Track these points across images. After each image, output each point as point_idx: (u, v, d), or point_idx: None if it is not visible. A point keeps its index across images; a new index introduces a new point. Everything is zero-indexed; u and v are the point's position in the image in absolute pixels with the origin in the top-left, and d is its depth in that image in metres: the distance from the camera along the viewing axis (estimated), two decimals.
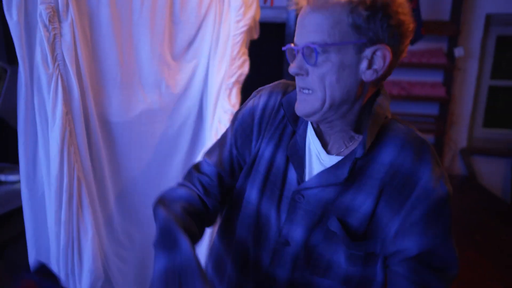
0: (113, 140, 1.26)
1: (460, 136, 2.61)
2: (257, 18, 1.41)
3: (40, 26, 1.01)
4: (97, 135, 1.19)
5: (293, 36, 0.71)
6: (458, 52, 2.33)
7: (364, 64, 0.65)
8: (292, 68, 0.68)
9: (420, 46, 2.51)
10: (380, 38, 0.64)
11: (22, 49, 1.01)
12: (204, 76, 1.36)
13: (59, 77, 1.05)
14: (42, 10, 1.01)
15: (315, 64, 0.65)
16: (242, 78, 1.41)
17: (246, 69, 1.41)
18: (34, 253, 1.15)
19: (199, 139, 1.47)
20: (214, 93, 1.41)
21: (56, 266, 1.14)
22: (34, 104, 1.06)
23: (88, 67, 1.13)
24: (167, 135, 1.35)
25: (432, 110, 2.62)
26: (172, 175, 1.36)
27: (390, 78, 2.43)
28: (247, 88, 1.20)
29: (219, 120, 1.43)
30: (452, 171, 2.62)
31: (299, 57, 0.67)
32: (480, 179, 2.57)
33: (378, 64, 0.65)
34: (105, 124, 1.23)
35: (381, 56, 0.64)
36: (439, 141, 2.53)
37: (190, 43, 1.33)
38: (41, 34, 1.02)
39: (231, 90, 1.43)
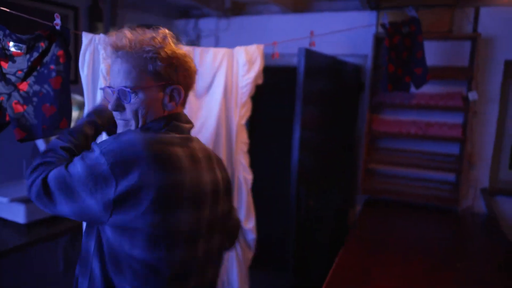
0: None
1: (482, 176, 2.69)
2: (261, 69, 1.83)
3: (101, 77, 1.53)
4: None
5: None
6: (472, 96, 2.48)
7: (166, 99, 1.02)
8: (111, 106, 1.01)
9: (439, 89, 2.71)
10: (174, 80, 1.00)
11: (88, 92, 1.53)
12: (218, 115, 1.79)
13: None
14: (102, 67, 1.52)
15: (129, 102, 0.99)
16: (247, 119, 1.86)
17: (249, 112, 1.86)
18: None
19: (227, 162, 1.89)
20: (234, 129, 1.84)
21: None
22: None
23: None
24: None
25: (454, 149, 2.75)
26: None
27: (409, 117, 2.67)
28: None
29: (241, 148, 1.86)
30: (473, 209, 2.69)
31: (115, 96, 1.00)
32: (504, 220, 2.61)
33: (176, 98, 1.03)
34: None
35: (177, 93, 1.02)
36: (459, 180, 2.64)
37: (208, 88, 1.78)
38: (101, 82, 1.53)
39: (243, 127, 1.88)
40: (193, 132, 1.80)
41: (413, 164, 2.75)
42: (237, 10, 3.32)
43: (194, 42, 3.42)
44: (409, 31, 2.25)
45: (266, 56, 1.94)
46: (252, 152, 3.44)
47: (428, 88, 2.66)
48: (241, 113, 1.83)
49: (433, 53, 2.65)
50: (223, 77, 1.77)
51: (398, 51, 2.24)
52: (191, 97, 1.76)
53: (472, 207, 2.70)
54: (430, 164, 2.71)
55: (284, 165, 2.91)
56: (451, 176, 2.77)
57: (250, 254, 2.00)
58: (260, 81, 1.87)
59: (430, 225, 2.43)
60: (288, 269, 2.21)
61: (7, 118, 1.36)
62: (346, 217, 3.09)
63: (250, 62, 1.78)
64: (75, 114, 2.20)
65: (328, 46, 2.75)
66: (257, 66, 1.80)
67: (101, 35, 1.52)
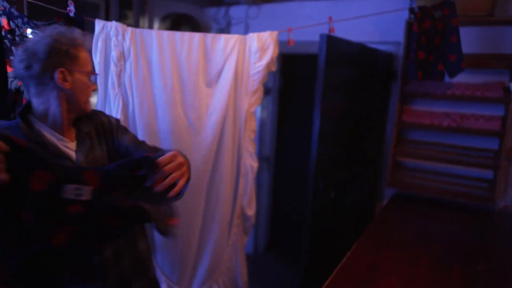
0: (159, 143, 1.75)
1: None
2: (274, 56, 1.79)
3: (111, 63, 1.57)
4: (145, 137, 1.69)
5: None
6: None
7: None
8: None
9: (477, 79, 2.51)
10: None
11: (101, 78, 1.58)
12: (227, 102, 1.78)
13: (121, 96, 1.60)
14: (113, 54, 1.57)
15: None
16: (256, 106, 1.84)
17: (260, 100, 1.83)
18: None
19: (233, 148, 1.90)
20: (243, 117, 1.83)
21: None
22: None
23: (142, 91, 1.65)
24: (200, 146, 1.80)
25: (491, 144, 2.55)
26: (200, 178, 1.80)
27: (442, 109, 2.53)
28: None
29: (248, 135, 1.85)
30: (511, 209, 2.49)
31: None
32: None
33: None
34: (153, 130, 1.73)
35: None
36: (496, 177, 2.45)
37: (218, 75, 1.77)
38: (112, 69, 1.58)
39: (252, 115, 1.85)
40: (201, 120, 1.81)
41: (445, 158, 2.59)
42: None
43: (224, 30, 3.42)
44: (441, 15, 2.09)
45: (283, 44, 1.90)
46: (281, 140, 3.40)
47: (465, 78, 2.47)
48: (251, 100, 1.81)
49: (472, 39, 2.45)
50: (234, 64, 1.76)
51: (429, 37, 2.09)
52: (201, 84, 1.77)
53: (509, 207, 2.50)
54: (464, 159, 2.53)
55: (307, 157, 2.86)
56: (487, 173, 2.57)
57: (245, 239, 2.04)
58: (273, 68, 1.83)
59: (460, 225, 2.28)
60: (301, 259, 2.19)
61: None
62: (373, 210, 2.98)
63: (263, 49, 1.75)
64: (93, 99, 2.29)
65: (359, 33, 2.63)
66: (270, 53, 1.76)
67: (113, 22, 1.56)
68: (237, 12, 3.37)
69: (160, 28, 3.05)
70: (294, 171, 3.46)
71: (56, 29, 1.11)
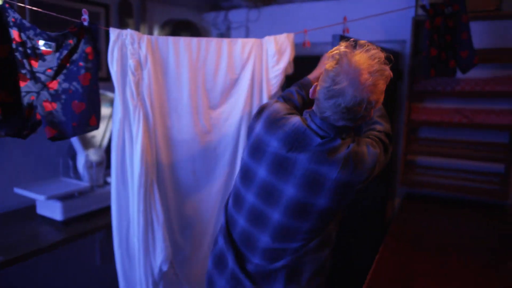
0: (174, 153, 1.69)
1: None
2: (291, 59, 1.75)
3: (129, 73, 1.50)
4: (162, 149, 1.63)
5: None
6: None
7: None
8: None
9: (486, 74, 2.50)
10: None
11: (118, 88, 1.51)
12: (242, 109, 1.73)
13: (141, 107, 1.53)
14: (130, 63, 1.50)
15: None
16: None
17: None
18: (117, 233, 1.62)
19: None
20: None
21: (137, 245, 1.58)
22: (124, 125, 1.55)
23: (158, 100, 1.59)
24: (214, 152, 1.74)
25: (502, 138, 2.54)
26: (215, 183, 1.74)
27: (452, 105, 2.51)
28: None
29: None
30: None
31: None
32: None
33: None
34: (168, 139, 1.66)
35: None
36: (508, 171, 2.45)
37: (235, 81, 1.72)
38: (129, 78, 1.51)
39: None
40: (217, 128, 1.75)
41: (456, 154, 2.58)
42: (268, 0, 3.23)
43: (224, 34, 3.37)
44: (452, 11, 2.07)
45: (298, 46, 1.86)
46: None
47: (474, 73, 2.46)
48: None
49: (479, 34, 2.44)
50: (251, 69, 1.71)
51: (441, 34, 2.07)
52: (217, 90, 1.71)
53: None
54: (476, 154, 2.52)
55: None
56: (499, 167, 2.57)
57: None
58: (290, 71, 1.79)
59: (476, 221, 2.26)
60: None
61: (38, 117, 1.37)
62: (384, 209, 2.95)
63: (280, 52, 1.71)
64: (107, 110, 2.21)
65: (363, 33, 2.60)
66: (287, 56, 1.72)
67: (128, 30, 1.49)
68: (236, 16, 3.33)
69: (160, 35, 2.99)
70: None
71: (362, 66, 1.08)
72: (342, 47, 1.11)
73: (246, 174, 1.24)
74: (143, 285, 1.58)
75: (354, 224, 2.67)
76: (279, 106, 1.25)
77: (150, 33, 2.95)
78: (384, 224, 2.82)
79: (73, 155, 2.29)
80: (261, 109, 1.27)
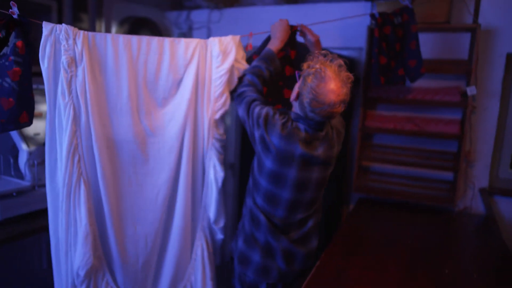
0: (114, 153, 1.64)
1: (480, 176, 2.56)
2: (241, 57, 1.73)
3: (62, 70, 1.45)
4: (100, 149, 1.58)
5: None
6: (470, 91, 2.35)
7: None
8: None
9: (437, 83, 2.57)
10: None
11: (49, 86, 1.45)
12: (187, 109, 1.70)
13: (72, 105, 1.48)
14: (64, 59, 1.45)
15: None
16: (224, 113, 1.76)
17: (227, 106, 1.75)
18: (52, 230, 1.56)
19: (194, 160, 1.82)
20: (206, 126, 1.76)
21: (60, 244, 1.53)
22: (55, 124, 1.49)
23: (95, 98, 1.54)
24: (158, 154, 1.70)
25: (451, 147, 2.62)
26: (158, 186, 1.70)
27: (404, 113, 2.56)
28: None
29: (212, 143, 1.77)
30: (471, 210, 2.57)
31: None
32: (502, 221, 2.48)
33: None
34: (109, 139, 1.61)
35: None
36: (456, 179, 2.52)
37: (179, 81, 1.69)
38: (61, 75, 1.45)
39: (217, 122, 1.78)
40: (160, 128, 1.71)
41: (408, 162, 2.63)
42: (231, 1, 3.21)
43: (186, 34, 3.33)
44: (401, 21, 2.12)
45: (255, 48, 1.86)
46: (246, 146, 3.33)
47: (425, 83, 2.53)
48: (214, 107, 1.74)
49: (430, 45, 2.51)
50: (195, 69, 1.68)
51: (390, 43, 2.12)
52: (159, 90, 1.67)
53: (470, 207, 2.57)
54: (426, 162, 2.59)
55: None
56: (448, 175, 2.64)
57: (215, 253, 1.97)
58: (244, 68, 1.77)
59: (423, 226, 2.31)
60: None
61: None
62: (340, 214, 2.98)
63: (225, 54, 1.69)
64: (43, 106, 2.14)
65: (323, 39, 2.63)
66: (232, 57, 1.70)
67: (63, 25, 1.44)
68: (198, 16, 3.30)
69: (118, 32, 2.92)
70: None
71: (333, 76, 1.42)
72: (317, 64, 1.43)
73: (277, 178, 1.54)
74: (68, 286, 1.54)
75: None
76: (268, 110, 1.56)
77: (108, 30, 2.88)
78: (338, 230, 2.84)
79: (15, 153, 2.20)
80: (263, 118, 1.53)
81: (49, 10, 2.49)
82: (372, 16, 2.09)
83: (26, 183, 2.05)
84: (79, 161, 1.51)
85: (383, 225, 2.30)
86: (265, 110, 1.54)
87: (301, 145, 1.48)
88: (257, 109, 1.55)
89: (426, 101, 2.50)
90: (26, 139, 2.09)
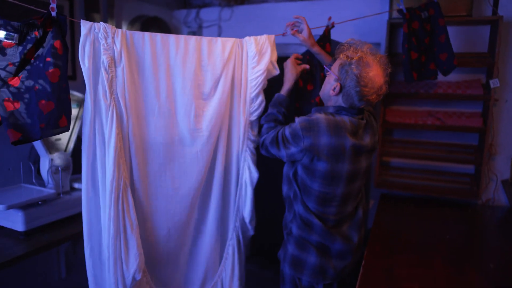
0: (151, 156, 1.57)
1: (503, 168, 2.57)
2: (274, 59, 1.69)
3: (102, 70, 1.38)
4: (137, 151, 1.51)
5: None
6: (493, 83, 2.35)
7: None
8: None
9: (457, 77, 2.57)
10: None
11: (90, 86, 1.38)
12: (224, 111, 1.65)
13: (114, 107, 1.41)
14: (104, 59, 1.38)
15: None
16: (260, 114, 1.73)
17: (263, 107, 1.71)
18: (88, 241, 1.48)
19: (227, 161, 1.77)
20: (242, 127, 1.71)
21: (107, 252, 1.46)
22: (95, 126, 1.42)
23: (133, 100, 1.47)
24: (194, 157, 1.64)
25: (473, 140, 2.62)
26: (193, 188, 1.65)
27: (425, 107, 2.52)
28: None
29: (247, 144, 1.73)
30: (493, 202, 2.57)
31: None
32: None
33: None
34: (145, 141, 1.55)
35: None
36: (479, 172, 2.52)
37: (217, 82, 1.63)
38: (102, 76, 1.38)
39: (252, 124, 1.73)
40: (197, 130, 1.66)
41: (429, 156, 2.63)
42: None
43: (196, 33, 3.27)
44: (428, 16, 2.10)
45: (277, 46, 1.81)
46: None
47: (446, 77, 2.52)
48: (250, 108, 1.70)
49: (452, 39, 2.49)
50: (231, 69, 1.63)
51: (419, 37, 2.09)
52: (197, 92, 1.62)
53: (492, 199, 2.58)
54: (448, 156, 2.58)
55: None
56: (469, 168, 2.65)
57: (247, 250, 1.98)
58: (276, 72, 1.73)
59: (453, 220, 2.30)
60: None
61: None
62: None
63: (260, 54, 1.65)
64: (74, 111, 2.06)
65: (337, 35, 2.60)
66: (267, 57, 1.66)
67: (101, 23, 1.37)
68: (208, 14, 3.23)
69: None
70: (274, 174, 3.37)
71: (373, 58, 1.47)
72: (357, 53, 1.47)
73: (332, 177, 1.52)
74: None
75: None
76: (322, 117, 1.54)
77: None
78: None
79: (35, 160, 2.11)
80: (307, 128, 1.49)
81: (61, 10, 2.40)
82: (400, 11, 2.06)
83: (50, 190, 1.97)
84: (123, 164, 1.45)
85: (413, 221, 2.28)
86: (297, 122, 1.51)
87: (350, 136, 1.47)
88: (287, 132, 1.53)
89: (449, 95, 2.50)
90: (48, 145, 2.00)
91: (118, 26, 2.81)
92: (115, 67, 1.41)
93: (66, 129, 1.31)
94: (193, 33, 3.26)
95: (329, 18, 1.93)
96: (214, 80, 1.62)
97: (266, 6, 3.07)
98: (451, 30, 2.53)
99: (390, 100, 2.73)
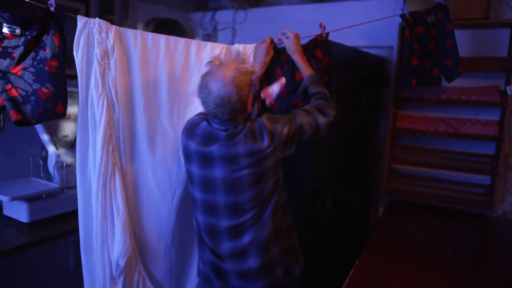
0: (133, 147, 1.60)
1: None
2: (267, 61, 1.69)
3: (95, 62, 1.44)
4: (125, 142, 1.55)
5: None
6: (510, 90, 2.23)
7: None
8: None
9: (473, 83, 2.46)
10: None
11: (82, 78, 1.44)
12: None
13: (105, 96, 1.46)
14: (97, 52, 1.43)
15: None
16: None
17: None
18: (82, 223, 1.53)
19: None
20: None
21: (95, 236, 1.50)
22: (88, 115, 1.48)
23: (123, 92, 1.52)
24: (177, 153, 1.67)
25: (488, 149, 2.49)
26: (176, 186, 1.67)
27: (438, 114, 2.45)
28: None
29: None
30: (511, 215, 2.44)
31: None
32: None
33: None
34: (131, 133, 1.58)
35: None
36: (494, 183, 2.40)
37: None
38: (95, 67, 1.44)
39: None
40: (179, 128, 1.66)
41: (441, 164, 2.53)
42: (256, 1, 3.17)
43: (211, 35, 3.31)
44: (434, 20, 2.02)
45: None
46: None
47: (460, 82, 2.41)
48: None
49: (465, 43, 2.40)
50: None
51: (423, 43, 2.02)
52: (182, 91, 1.65)
53: (509, 212, 2.45)
54: (461, 165, 2.47)
55: (301, 165, 2.75)
56: (485, 179, 2.52)
57: None
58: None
59: (461, 232, 2.21)
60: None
61: (2, 103, 1.32)
62: (368, 219, 2.90)
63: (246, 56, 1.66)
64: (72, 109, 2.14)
65: (350, 37, 2.55)
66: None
67: (96, 19, 1.44)
68: (223, 17, 3.27)
69: None
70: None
71: (233, 67, 1.34)
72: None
73: (189, 178, 1.51)
74: (100, 280, 1.51)
75: (337, 233, 2.61)
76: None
77: None
78: (367, 234, 2.75)
79: (44, 155, 2.21)
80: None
81: (77, 13, 2.50)
82: (403, 16, 1.99)
83: (55, 185, 2.06)
84: (113, 151, 1.49)
85: (417, 230, 2.20)
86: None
87: (194, 141, 1.50)
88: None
89: (462, 101, 2.39)
90: (54, 141, 2.09)
91: (133, 27, 2.89)
92: (108, 59, 1.46)
93: (63, 115, 1.40)
94: (208, 35, 3.31)
95: (320, 25, 1.89)
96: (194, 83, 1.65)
97: (280, 9, 3.07)
98: (467, 34, 2.43)
99: (401, 105, 2.65)
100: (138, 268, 1.64)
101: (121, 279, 1.54)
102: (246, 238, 1.39)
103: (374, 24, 2.59)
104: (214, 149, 1.38)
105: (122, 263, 1.51)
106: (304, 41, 1.83)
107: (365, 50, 2.69)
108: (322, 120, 1.50)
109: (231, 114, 1.37)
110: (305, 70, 1.68)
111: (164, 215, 1.69)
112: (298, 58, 1.69)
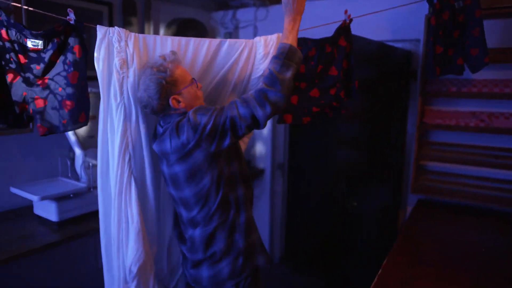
0: (154, 154, 1.59)
1: None
2: None
3: (114, 71, 1.45)
4: (146, 149, 1.56)
5: None
6: None
7: None
8: None
9: (504, 75, 2.34)
10: None
11: (103, 87, 1.45)
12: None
13: (123, 106, 1.47)
14: (116, 61, 1.44)
15: None
16: None
17: None
18: (103, 229, 1.56)
19: None
20: None
21: (112, 241, 1.53)
22: (107, 125, 1.49)
23: None
24: None
25: None
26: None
27: (468, 108, 2.35)
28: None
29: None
30: None
31: None
32: None
33: None
34: (151, 139, 1.59)
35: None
36: None
37: (224, 82, 1.65)
38: (114, 76, 1.45)
39: None
40: None
41: (472, 160, 2.42)
42: None
43: (232, 33, 3.31)
44: (463, 6, 1.92)
45: None
46: (294, 146, 3.26)
47: (491, 74, 2.31)
48: None
49: (497, 33, 2.29)
50: (239, 69, 1.63)
51: (447, 30, 1.93)
52: (206, 93, 1.64)
53: None
54: (493, 161, 2.36)
55: (326, 163, 2.71)
56: None
57: None
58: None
59: (494, 232, 2.11)
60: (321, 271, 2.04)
61: (31, 112, 1.39)
62: (396, 218, 2.82)
63: (268, 55, 1.63)
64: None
65: (375, 32, 2.49)
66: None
67: (116, 28, 1.44)
68: (244, 14, 3.26)
69: (166, 34, 2.94)
70: (308, 177, 3.31)
71: (148, 68, 1.41)
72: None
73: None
74: (120, 283, 1.55)
75: (364, 232, 2.55)
76: None
77: (156, 32, 2.91)
78: (395, 233, 2.68)
79: (72, 156, 2.26)
80: None
81: (100, 16, 2.55)
82: (430, 1, 1.91)
83: (82, 184, 2.10)
84: (129, 160, 1.50)
85: (447, 230, 2.12)
86: None
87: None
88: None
89: (496, 94, 2.28)
90: (81, 141, 2.14)
91: (156, 29, 2.92)
92: (127, 68, 1.46)
93: (85, 124, 1.45)
94: (229, 34, 3.30)
95: (346, 12, 1.85)
96: (221, 82, 1.64)
97: None
98: (496, 23, 2.32)
99: (429, 100, 2.56)
100: (153, 272, 1.64)
101: (134, 283, 1.56)
102: (197, 231, 1.47)
103: (400, 17, 2.52)
104: (154, 146, 1.47)
105: (134, 269, 1.52)
106: (330, 31, 1.78)
107: (390, 44, 2.61)
108: (259, 113, 1.31)
109: (153, 112, 1.44)
110: (284, 36, 1.46)
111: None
112: (290, 21, 1.46)
